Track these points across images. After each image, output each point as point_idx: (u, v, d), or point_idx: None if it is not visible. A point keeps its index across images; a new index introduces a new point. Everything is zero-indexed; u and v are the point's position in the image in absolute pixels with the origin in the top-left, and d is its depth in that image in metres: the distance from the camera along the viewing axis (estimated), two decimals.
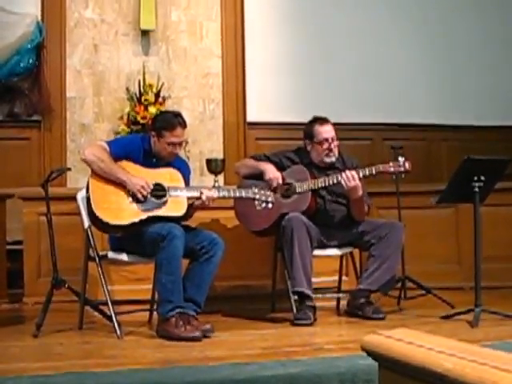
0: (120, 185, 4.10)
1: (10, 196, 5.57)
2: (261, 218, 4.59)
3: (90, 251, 4.23)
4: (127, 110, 7.08)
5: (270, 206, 4.37)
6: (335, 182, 4.52)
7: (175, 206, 4.15)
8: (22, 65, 6.93)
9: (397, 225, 4.68)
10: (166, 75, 7.35)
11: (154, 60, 7.40)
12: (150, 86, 7.13)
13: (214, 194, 4.24)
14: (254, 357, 3.37)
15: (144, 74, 7.18)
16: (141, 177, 4.12)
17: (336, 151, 4.72)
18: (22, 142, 7.12)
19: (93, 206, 4.06)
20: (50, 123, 7.13)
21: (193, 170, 4.75)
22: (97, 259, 4.18)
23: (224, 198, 4.38)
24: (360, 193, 4.52)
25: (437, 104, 8.05)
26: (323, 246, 4.65)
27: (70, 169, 5.17)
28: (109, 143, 4.24)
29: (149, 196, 4.10)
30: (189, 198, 4.20)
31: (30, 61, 6.97)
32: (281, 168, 4.72)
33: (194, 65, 7.51)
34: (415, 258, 5.38)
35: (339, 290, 5.01)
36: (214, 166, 5.42)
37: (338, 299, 4.99)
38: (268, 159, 4.77)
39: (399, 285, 5.01)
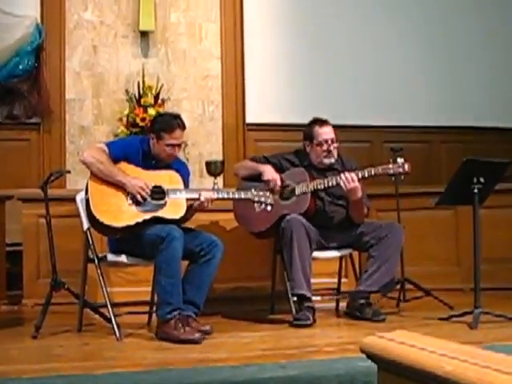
0: (119, 187, 4.10)
1: (9, 197, 5.56)
2: (260, 220, 4.59)
3: (90, 253, 4.22)
4: (126, 111, 7.08)
5: (269, 208, 4.36)
6: (334, 183, 4.52)
7: (174, 207, 4.15)
8: (21, 67, 6.93)
9: (396, 226, 4.69)
10: (165, 77, 7.35)
11: (153, 62, 7.40)
12: (150, 87, 7.13)
13: (213, 195, 4.24)
14: (253, 358, 3.37)
15: (143, 75, 7.19)
16: (140, 178, 4.12)
17: (335, 153, 4.72)
18: (21, 144, 7.12)
19: (92, 207, 4.06)
20: (50, 125, 7.13)
21: (192, 172, 4.76)
22: (96, 261, 4.18)
23: (223, 199, 4.38)
24: (359, 194, 4.51)
25: (436, 105, 8.05)
26: (322, 248, 4.65)
27: (69, 171, 5.17)
28: (108, 145, 4.24)
29: (148, 198, 4.10)
30: (188, 200, 4.20)
31: (30, 63, 6.97)
32: (280, 170, 4.72)
33: (194, 66, 7.51)
34: (414, 259, 5.39)
35: (338, 292, 5.01)
36: (213, 168, 5.43)
37: (338, 301, 4.99)
38: (267, 161, 4.77)
39: (398, 286, 5.01)
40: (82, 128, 7.22)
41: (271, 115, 7.61)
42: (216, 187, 5.26)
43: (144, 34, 7.36)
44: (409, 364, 1.59)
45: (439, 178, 7.51)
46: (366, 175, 4.49)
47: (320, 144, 4.68)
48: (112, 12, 7.33)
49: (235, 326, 4.45)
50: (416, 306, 4.90)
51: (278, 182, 4.61)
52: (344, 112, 7.39)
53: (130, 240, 4.12)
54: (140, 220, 4.07)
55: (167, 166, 4.30)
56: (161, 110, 6.85)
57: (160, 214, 4.11)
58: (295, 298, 4.43)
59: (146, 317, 4.56)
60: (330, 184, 4.54)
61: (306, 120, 4.88)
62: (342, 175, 4.48)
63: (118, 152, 4.20)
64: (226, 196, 4.38)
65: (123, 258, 4.20)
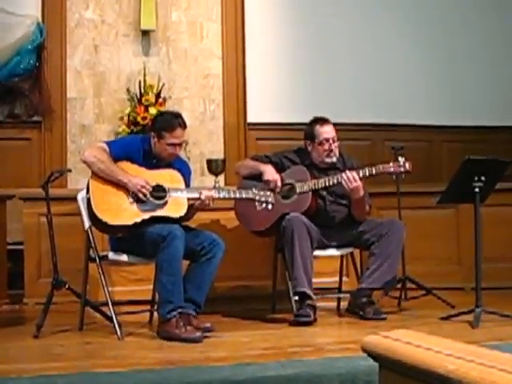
0: (120, 186, 4.10)
1: (10, 197, 5.57)
2: (261, 219, 4.59)
3: (91, 252, 4.23)
4: (127, 110, 7.07)
5: (270, 207, 4.36)
6: (336, 182, 4.52)
7: (175, 206, 4.15)
8: (22, 66, 6.93)
9: (397, 222, 4.68)
10: (166, 76, 7.35)
11: (154, 61, 7.40)
12: (151, 86, 7.13)
13: (214, 194, 4.24)
14: (254, 357, 3.37)
15: (144, 74, 7.18)
16: (141, 177, 4.12)
17: (337, 151, 4.72)
18: (22, 143, 7.12)
19: (93, 206, 4.06)
20: (51, 124, 7.13)
21: (193, 171, 4.75)
22: (97, 260, 4.18)
23: (224, 198, 4.38)
24: (361, 193, 4.52)
25: (437, 104, 8.04)
26: (323, 247, 4.65)
27: (70, 170, 5.16)
28: (109, 144, 4.24)
29: (149, 197, 4.10)
30: (189, 199, 4.20)
31: (31, 62, 6.97)
32: (281, 168, 4.72)
33: (195, 65, 7.50)
34: (416, 258, 5.38)
35: (340, 291, 5.01)
36: (214, 167, 5.42)
37: (339, 300, 4.99)
38: (269, 159, 4.77)
39: (400, 285, 5.01)
40: (83, 127, 7.22)
41: (272, 114, 7.61)
42: (217, 186, 5.26)
43: (145, 33, 7.35)
44: (410, 362, 1.59)
45: (440, 177, 7.51)
46: (367, 174, 4.49)
47: (321, 143, 4.68)
48: (113, 11, 7.33)
49: (236, 324, 4.45)
50: (417, 305, 4.90)
51: (279, 183, 4.60)
52: (345, 111, 7.38)
53: (131, 239, 4.12)
54: (141, 219, 4.07)
55: (168, 165, 4.30)
56: (162, 109, 6.84)
57: (161, 213, 4.11)
58: (296, 297, 4.43)
59: (147, 316, 4.56)
60: (331, 183, 4.54)
61: (306, 119, 4.88)
62: (344, 174, 4.48)
63: (119, 151, 4.20)
64: (227, 195, 4.38)
65: (124, 257, 4.21)
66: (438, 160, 8.05)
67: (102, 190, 4.10)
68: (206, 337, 3.88)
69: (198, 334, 3.85)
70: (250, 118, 7.61)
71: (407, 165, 4.46)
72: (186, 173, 4.38)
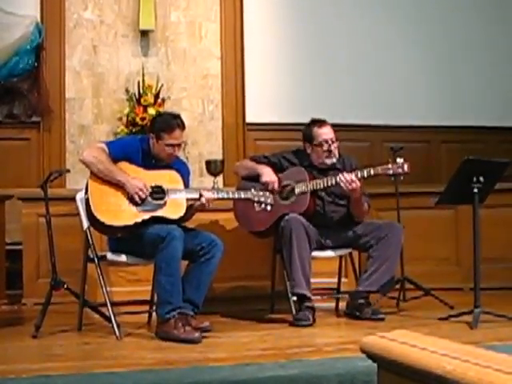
0: (119, 186, 4.10)
1: (9, 197, 5.56)
2: (260, 220, 4.59)
3: (89, 252, 4.22)
4: (126, 111, 7.08)
5: (268, 207, 4.36)
6: (333, 183, 4.52)
7: (174, 207, 4.15)
8: (21, 66, 6.93)
9: (396, 226, 4.68)
10: (165, 76, 7.35)
11: (153, 61, 7.40)
12: (150, 87, 7.13)
13: (213, 195, 4.24)
14: (253, 358, 3.37)
15: (143, 75, 7.18)
16: (139, 179, 4.12)
17: (336, 152, 4.72)
18: (21, 143, 7.12)
19: (92, 207, 4.06)
20: (49, 124, 7.13)
21: (192, 172, 4.75)
22: (96, 260, 4.18)
23: (223, 199, 4.38)
24: (360, 194, 4.52)
25: (436, 105, 8.05)
26: (322, 248, 4.65)
27: (69, 170, 5.15)
28: (108, 144, 4.24)
29: (148, 198, 4.10)
30: (188, 200, 4.20)
31: (29, 62, 6.98)
32: (280, 169, 4.72)
33: (194, 66, 7.50)
34: (414, 259, 5.39)
35: (338, 292, 5.01)
36: (213, 167, 5.42)
37: (337, 300, 4.99)
38: (267, 160, 4.77)
39: (398, 286, 5.01)
40: (81, 127, 7.22)
41: (271, 115, 7.61)
42: (216, 186, 5.26)
43: (144, 33, 7.35)
44: (408, 363, 1.59)
45: (439, 178, 7.51)
46: (366, 175, 4.48)
47: (320, 145, 4.68)
48: (112, 11, 7.33)
49: (235, 325, 4.46)
50: (416, 306, 4.90)
51: (276, 186, 4.60)
52: (344, 111, 7.39)
53: (129, 239, 4.12)
54: (140, 220, 4.07)
55: (167, 166, 4.29)
56: (161, 110, 6.85)
57: (160, 213, 4.11)
58: (295, 298, 4.43)
59: (145, 316, 4.56)
60: (329, 184, 4.54)
61: (305, 119, 4.88)
62: (342, 176, 4.47)
63: (118, 151, 4.20)
64: (225, 196, 4.38)
65: (123, 258, 4.21)
66: (437, 160, 8.06)
67: (100, 190, 4.10)
68: (204, 337, 3.88)
69: (197, 334, 3.84)
70: (249, 119, 7.61)
71: (406, 166, 4.45)
72: (184, 173, 4.38)
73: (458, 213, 5.83)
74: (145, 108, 6.98)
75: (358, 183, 4.46)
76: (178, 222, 4.16)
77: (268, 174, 4.64)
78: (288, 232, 4.39)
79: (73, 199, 4.39)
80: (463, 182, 4.25)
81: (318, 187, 4.57)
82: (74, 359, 3.55)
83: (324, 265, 4.95)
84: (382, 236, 4.55)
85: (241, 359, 3.34)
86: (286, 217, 4.46)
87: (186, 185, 4.33)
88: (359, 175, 4.47)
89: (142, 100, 7.03)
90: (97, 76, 7.27)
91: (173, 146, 4.24)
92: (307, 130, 4.76)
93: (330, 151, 4.68)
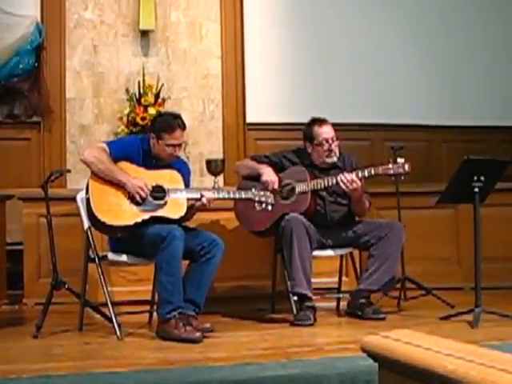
0: (120, 186, 4.10)
1: (9, 197, 5.56)
2: (260, 219, 4.59)
3: (90, 252, 4.23)
4: (127, 111, 7.07)
5: (269, 207, 4.36)
6: (334, 182, 4.51)
7: (175, 207, 4.15)
8: (21, 66, 6.93)
9: (397, 225, 4.68)
10: (165, 76, 7.35)
11: (153, 61, 7.40)
12: (150, 86, 7.12)
13: (214, 195, 4.24)
14: (253, 357, 3.37)
15: (143, 75, 7.18)
16: (140, 178, 4.12)
17: (337, 151, 4.71)
18: (21, 143, 7.12)
19: (92, 207, 4.06)
20: (50, 124, 7.13)
21: (192, 171, 4.74)
22: (97, 260, 4.18)
23: (224, 199, 4.38)
24: (361, 193, 4.52)
25: (437, 104, 8.04)
26: (323, 247, 4.65)
27: (69, 170, 5.15)
28: (108, 144, 4.24)
29: (148, 197, 4.10)
30: (188, 200, 4.20)
31: (30, 62, 6.97)
32: (281, 168, 4.72)
33: (194, 66, 7.50)
34: (415, 258, 5.39)
35: (339, 291, 5.01)
36: (213, 167, 5.42)
37: (338, 300, 4.99)
38: (268, 160, 4.77)
39: (399, 285, 5.01)
40: (82, 127, 7.22)
41: (271, 114, 7.61)
42: (216, 186, 5.26)
43: (144, 33, 7.35)
44: (410, 362, 1.59)
45: (440, 177, 7.51)
46: (366, 175, 4.48)
47: (321, 144, 4.68)
48: (112, 11, 7.33)
49: (235, 325, 4.46)
50: (416, 305, 4.90)
51: (276, 186, 4.60)
52: (344, 110, 7.39)
53: (130, 239, 4.12)
54: (140, 219, 4.07)
55: (168, 166, 4.29)
56: (161, 110, 6.84)
57: (160, 213, 4.11)
58: (296, 298, 4.43)
59: (146, 316, 4.56)
60: (330, 183, 4.54)
61: (306, 119, 4.88)
62: (342, 176, 4.46)
63: (119, 151, 4.20)
64: (226, 196, 4.38)
65: (124, 258, 4.21)
66: (437, 160, 8.05)
67: (101, 190, 4.10)
68: (205, 337, 3.88)
69: (198, 334, 3.84)
70: (249, 118, 7.61)
71: (406, 166, 4.45)
72: (185, 173, 4.38)
73: (458, 212, 5.83)
74: (145, 108, 6.98)
75: (359, 183, 4.45)
76: (179, 221, 4.16)
77: (268, 174, 4.63)
78: (289, 232, 4.39)
79: (73, 199, 4.39)
80: (464, 181, 4.25)
81: (319, 187, 4.57)
82: (74, 359, 3.55)
83: (324, 264, 4.96)
84: (382, 235, 4.55)
85: (241, 359, 3.33)
86: (287, 216, 4.46)
87: (187, 184, 4.33)
88: (360, 175, 4.47)
89: (142, 100, 7.02)
90: (97, 76, 7.28)
91: (173, 145, 4.24)
92: (307, 130, 4.76)
93: (330, 150, 4.67)
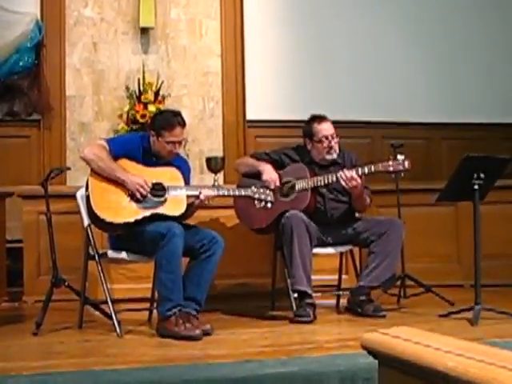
0: (119, 183, 4.10)
1: (9, 194, 5.57)
2: (260, 217, 4.59)
3: (90, 250, 4.23)
4: (127, 108, 7.07)
5: (269, 205, 4.36)
6: (334, 179, 4.51)
7: (175, 204, 4.15)
8: (21, 63, 6.93)
9: (397, 221, 4.68)
10: (165, 73, 7.35)
11: (153, 58, 7.40)
12: (150, 84, 7.12)
13: (213, 192, 4.24)
14: (253, 355, 3.37)
15: (143, 72, 7.18)
16: (140, 176, 4.12)
17: (337, 147, 4.71)
18: (21, 141, 7.12)
19: (92, 204, 4.06)
20: (50, 122, 7.13)
21: (192, 169, 4.74)
22: (96, 258, 4.18)
23: (223, 196, 4.38)
24: (361, 190, 4.52)
25: (437, 102, 8.04)
26: (323, 244, 4.65)
27: (69, 168, 5.16)
28: (108, 142, 4.24)
29: (148, 195, 4.10)
30: (188, 197, 4.20)
31: (30, 59, 6.97)
32: (281, 166, 4.72)
33: (194, 63, 7.50)
34: (415, 255, 5.39)
35: (339, 288, 5.01)
36: (213, 165, 5.40)
37: (338, 297, 4.99)
38: (268, 157, 4.77)
39: (399, 283, 5.01)
40: (82, 125, 7.22)
41: (271, 112, 7.61)
42: (216, 184, 5.25)
43: (144, 31, 7.35)
44: (409, 359, 1.59)
45: (439, 175, 7.51)
46: (366, 172, 4.48)
47: (320, 141, 4.68)
48: (112, 9, 7.33)
49: (235, 322, 4.46)
50: (416, 303, 4.90)
51: (277, 183, 4.60)
52: (344, 108, 7.39)
53: (130, 237, 4.12)
54: (140, 217, 4.07)
55: (168, 163, 4.29)
56: (161, 107, 6.85)
57: (160, 210, 4.11)
58: (296, 295, 4.43)
59: (146, 313, 4.57)
60: (330, 180, 4.54)
61: (306, 116, 4.88)
62: (342, 174, 4.46)
63: (119, 149, 4.19)
64: (226, 193, 4.38)
65: (124, 255, 4.21)
66: (437, 157, 8.06)
67: (101, 187, 4.10)
68: (205, 334, 3.88)
69: (198, 331, 3.84)
70: (249, 116, 7.61)
71: (406, 163, 4.44)
72: (185, 170, 4.38)
73: (458, 210, 5.84)
74: (145, 105, 6.97)
75: (359, 180, 4.45)
76: (179, 219, 4.16)
77: (268, 172, 4.63)
78: (289, 229, 4.39)
79: (73, 196, 4.39)
80: (464, 178, 4.24)
81: (319, 184, 4.57)
82: (74, 356, 3.55)
83: (325, 262, 4.96)
84: (382, 231, 4.54)
85: (241, 356, 3.33)
86: (287, 214, 4.46)
87: (187, 182, 4.33)
88: (360, 172, 4.47)
89: (142, 97, 7.02)
90: (97, 73, 7.27)
91: (173, 143, 4.24)
92: (307, 127, 4.76)
93: (330, 147, 4.67)
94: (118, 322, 4.02)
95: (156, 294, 4.18)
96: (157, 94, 7.10)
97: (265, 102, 7.63)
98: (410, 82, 7.98)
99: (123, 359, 3.39)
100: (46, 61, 7.12)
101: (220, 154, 7.00)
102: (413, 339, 1.66)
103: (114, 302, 4.17)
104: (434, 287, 4.96)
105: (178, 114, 4.34)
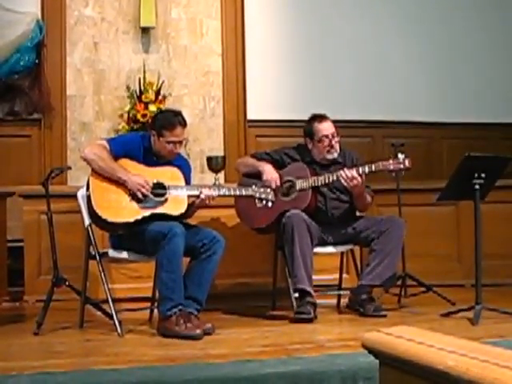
0: (120, 183, 4.10)
1: (10, 194, 5.57)
2: (261, 216, 4.59)
3: (91, 249, 4.23)
4: (127, 108, 7.07)
5: (269, 204, 4.36)
6: (335, 179, 4.51)
7: (175, 204, 4.15)
8: (22, 63, 6.93)
9: (398, 220, 4.68)
10: (166, 73, 7.35)
11: (154, 58, 7.40)
12: (151, 83, 7.12)
13: (214, 192, 4.23)
14: (254, 354, 3.37)
15: (144, 71, 7.18)
16: (140, 175, 4.12)
17: (337, 147, 4.71)
18: (22, 141, 7.12)
19: (93, 204, 4.06)
20: (51, 121, 7.13)
21: (193, 168, 4.75)
22: (97, 257, 4.18)
23: (224, 195, 4.38)
24: (362, 189, 4.52)
25: (437, 101, 8.04)
26: (324, 244, 4.65)
27: (70, 167, 5.16)
28: (109, 141, 4.24)
29: (149, 195, 4.10)
30: (189, 197, 4.20)
31: (31, 59, 6.97)
32: (282, 165, 4.72)
33: (195, 62, 7.50)
34: (416, 255, 5.38)
35: (340, 288, 5.01)
36: (214, 164, 5.41)
37: (339, 297, 4.99)
38: (269, 157, 4.77)
39: (400, 282, 5.01)
40: (82, 124, 7.22)
41: (272, 111, 7.61)
42: (217, 183, 5.25)
43: (145, 30, 7.35)
44: (410, 359, 1.59)
45: (440, 174, 7.51)
46: (367, 171, 4.48)
47: (321, 140, 4.68)
48: (113, 8, 7.33)
49: (236, 322, 4.46)
50: (417, 302, 4.90)
51: (278, 183, 4.60)
52: (345, 107, 7.39)
53: (131, 236, 4.12)
54: (141, 216, 4.07)
55: (169, 163, 4.29)
56: (162, 107, 6.85)
57: (161, 210, 4.11)
58: (296, 295, 4.43)
59: (147, 313, 4.57)
60: (331, 180, 4.54)
61: (306, 116, 4.88)
62: (343, 173, 4.46)
63: (119, 148, 4.19)
64: (227, 193, 4.38)
65: (124, 254, 4.21)
66: (438, 157, 8.05)
67: (102, 187, 4.10)
68: (206, 334, 3.88)
69: (198, 331, 3.84)
70: (250, 115, 7.61)
71: (407, 162, 4.44)
72: (186, 170, 4.38)
73: (459, 209, 5.84)
74: (146, 105, 6.97)
75: (359, 179, 4.45)
76: (180, 218, 4.16)
77: (268, 172, 4.63)
78: (290, 228, 4.39)
79: (74, 196, 4.39)
80: (464, 178, 4.24)
81: (320, 183, 4.57)
82: (75, 356, 3.55)
83: (325, 261, 4.96)
84: (383, 230, 4.54)
85: (242, 356, 3.33)
86: (288, 213, 4.46)
87: (188, 182, 4.33)
88: (360, 171, 4.47)
89: (143, 97, 7.02)
90: (98, 73, 7.27)
91: (174, 142, 4.24)
92: (308, 126, 4.76)
93: (331, 146, 4.67)
94: (119, 322, 4.02)
95: (157, 294, 4.18)
96: (157, 93, 7.10)
97: (265, 101, 7.63)
98: (411, 81, 7.99)
99: (124, 359, 3.39)
100: (46, 60, 7.12)
101: (221, 153, 7.00)
102: (414, 339, 1.66)
103: (114, 301, 4.17)
104: (434, 287, 4.96)
105: (178, 113, 4.34)
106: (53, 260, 4.29)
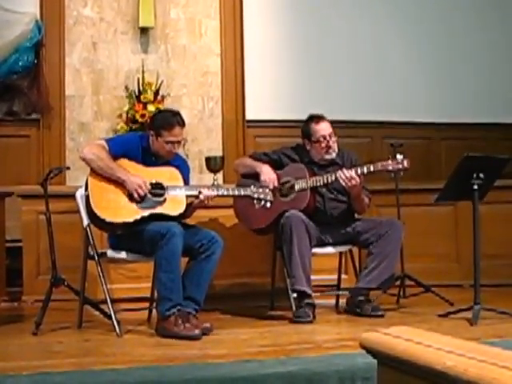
0: (119, 183, 4.10)
1: (8, 194, 5.56)
2: (260, 217, 4.59)
3: (89, 249, 4.22)
4: (126, 108, 7.07)
5: (268, 204, 4.36)
6: (333, 179, 4.51)
7: (174, 204, 4.15)
8: (20, 63, 6.92)
9: (396, 223, 4.68)
10: (165, 73, 7.35)
11: (152, 58, 7.39)
12: (149, 84, 7.12)
13: (213, 192, 4.23)
14: (253, 355, 3.37)
15: (143, 72, 7.18)
16: (139, 176, 4.12)
17: (335, 147, 4.71)
18: (20, 141, 7.11)
19: (92, 204, 4.06)
20: (49, 121, 7.12)
21: (192, 168, 4.75)
22: (96, 257, 4.18)
23: (223, 196, 4.38)
24: (360, 189, 4.52)
25: (436, 102, 8.04)
26: (322, 244, 4.65)
27: (69, 168, 5.15)
28: (107, 141, 4.24)
29: (148, 195, 4.10)
30: (188, 197, 4.20)
31: (29, 59, 6.97)
32: (280, 166, 4.72)
33: (193, 63, 7.50)
34: (414, 255, 5.39)
35: (338, 288, 5.01)
36: (212, 164, 5.41)
37: (337, 297, 4.99)
38: (267, 157, 4.77)
39: (398, 283, 5.01)
40: (81, 124, 7.21)
41: (271, 111, 7.61)
42: (216, 183, 5.26)
43: (144, 31, 7.35)
44: (409, 359, 1.59)
45: (439, 175, 7.52)
46: (365, 171, 4.48)
47: (318, 141, 4.67)
48: (111, 8, 7.32)
49: (235, 322, 4.46)
50: (416, 302, 4.90)
51: (275, 183, 4.59)
52: (344, 108, 7.40)
53: (129, 236, 4.12)
54: (139, 216, 4.07)
55: (167, 163, 4.29)
56: (160, 107, 6.84)
57: (159, 210, 4.11)
58: (295, 295, 4.43)
59: (146, 313, 4.56)
60: (329, 180, 4.54)
61: (305, 116, 4.87)
62: (341, 173, 4.46)
63: (118, 148, 4.19)
64: (225, 193, 4.38)
65: (123, 255, 4.21)
66: (436, 157, 8.05)
67: (100, 187, 4.10)
68: (204, 334, 3.88)
69: (197, 331, 3.84)
70: (249, 116, 7.61)
71: (405, 162, 4.45)
72: (184, 170, 4.38)
73: (457, 209, 5.84)
74: (144, 105, 6.97)
75: (358, 180, 4.45)
76: (178, 218, 4.16)
77: (266, 172, 4.63)
78: (288, 229, 4.39)
79: (73, 196, 4.39)
80: (463, 178, 4.24)
81: (318, 184, 4.57)
82: (74, 356, 3.55)
83: (324, 261, 4.95)
84: (382, 233, 4.54)
85: (241, 356, 3.34)
86: (286, 214, 4.46)
87: (186, 182, 4.33)
88: (359, 171, 4.46)
89: (141, 97, 7.02)
90: (96, 73, 7.27)
91: (172, 143, 4.23)
92: (305, 127, 4.76)
93: (328, 147, 4.67)
94: (118, 322, 4.02)
95: (155, 294, 4.18)
96: (156, 93, 7.10)
97: (264, 101, 7.63)
98: (410, 81, 7.98)
99: (122, 359, 3.39)
100: (45, 60, 7.12)
101: (219, 153, 7.00)
102: (413, 339, 1.66)
103: (113, 301, 4.17)
104: (433, 287, 4.96)
105: (177, 113, 4.34)
106: (51, 260, 4.29)
